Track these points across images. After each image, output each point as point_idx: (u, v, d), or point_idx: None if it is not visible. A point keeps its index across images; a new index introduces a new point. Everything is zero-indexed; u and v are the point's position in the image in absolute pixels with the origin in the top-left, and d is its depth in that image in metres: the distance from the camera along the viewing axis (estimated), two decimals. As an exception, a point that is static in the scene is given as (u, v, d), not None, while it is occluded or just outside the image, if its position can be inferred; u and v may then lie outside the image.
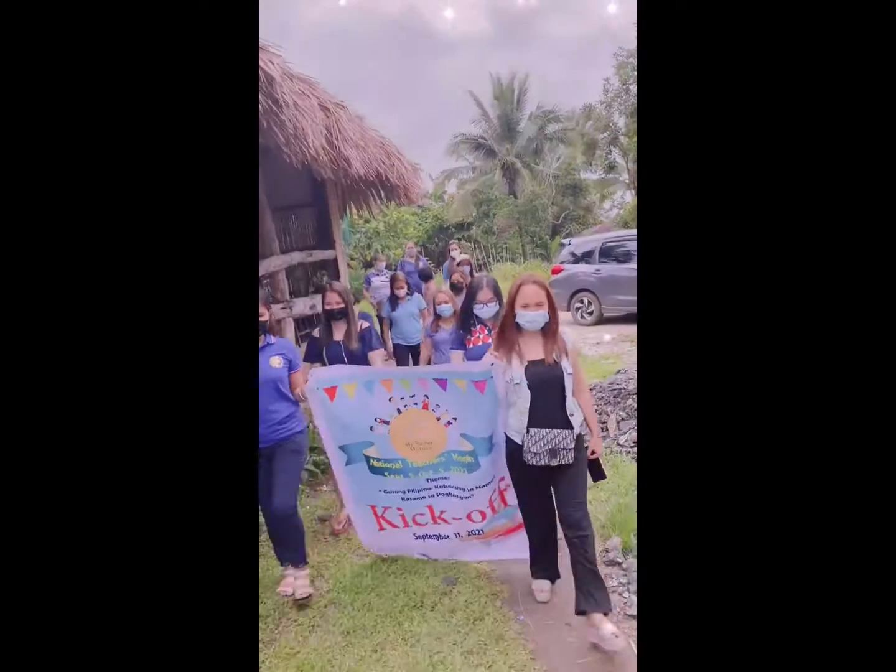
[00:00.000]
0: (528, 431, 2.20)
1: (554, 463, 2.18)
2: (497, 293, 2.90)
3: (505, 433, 2.36)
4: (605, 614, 2.15)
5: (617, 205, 19.14)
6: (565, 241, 10.43)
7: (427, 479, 2.63)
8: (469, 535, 2.72)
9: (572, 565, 2.21)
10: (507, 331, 2.30)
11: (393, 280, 5.39)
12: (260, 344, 2.64)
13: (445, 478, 2.61)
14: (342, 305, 3.18)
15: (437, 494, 2.65)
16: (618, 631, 2.11)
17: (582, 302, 8.91)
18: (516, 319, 2.26)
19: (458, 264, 5.90)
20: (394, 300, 5.26)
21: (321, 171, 4.06)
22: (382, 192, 5.75)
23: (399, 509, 2.71)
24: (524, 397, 2.21)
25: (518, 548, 2.62)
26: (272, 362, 2.63)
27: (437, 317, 3.77)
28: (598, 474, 2.39)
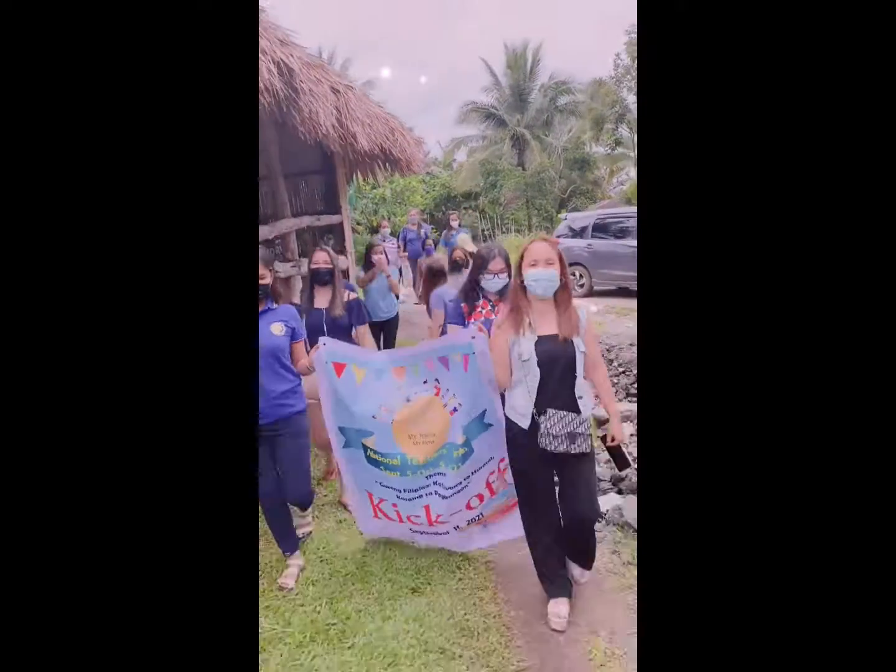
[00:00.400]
0: (545, 412, 2.01)
1: (573, 450, 2.00)
2: (509, 265, 2.63)
3: (506, 415, 2.18)
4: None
5: (622, 181, 19.35)
6: (562, 215, 10.89)
7: (426, 477, 2.47)
8: (468, 524, 2.57)
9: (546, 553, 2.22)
10: (517, 300, 2.10)
11: (368, 248, 4.58)
12: (260, 308, 2.36)
13: (443, 474, 2.45)
14: (329, 266, 3.00)
15: (435, 493, 2.48)
16: (565, 614, 2.17)
17: (574, 275, 9.42)
18: (524, 283, 2.07)
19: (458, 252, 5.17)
20: (368, 269, 4.50)
21: (330, 146, 4.57)
22: (387, 164, 6.20)
23: (394, 505, 2.57)
24: (533, 375, 2.02)
25: (513, 527, 2.53)
26: (273, 329, 2.36)
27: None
28: (623, 462, 2.16)
